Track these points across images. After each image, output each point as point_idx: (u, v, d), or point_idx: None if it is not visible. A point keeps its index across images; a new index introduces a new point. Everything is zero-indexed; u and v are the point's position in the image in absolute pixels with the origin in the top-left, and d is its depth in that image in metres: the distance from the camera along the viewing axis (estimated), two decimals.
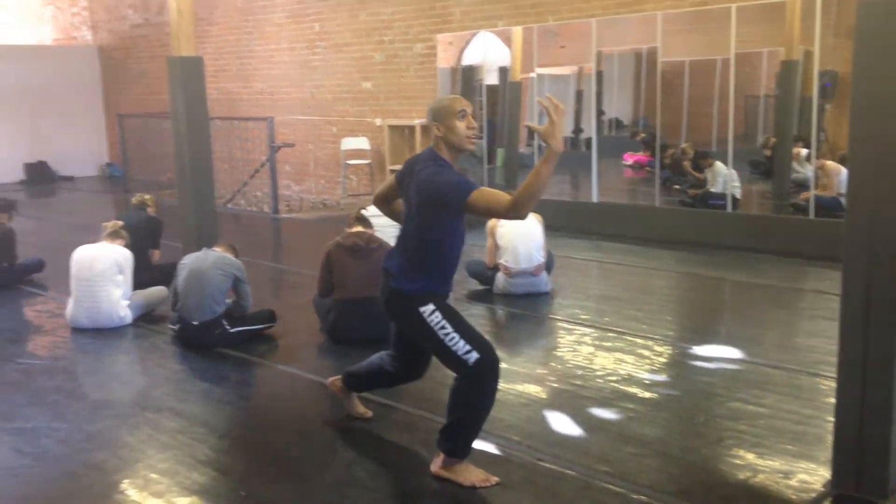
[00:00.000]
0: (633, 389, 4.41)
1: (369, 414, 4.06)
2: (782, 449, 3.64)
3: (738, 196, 8.44)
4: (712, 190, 8.65)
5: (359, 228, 5.44)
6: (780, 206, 8.44)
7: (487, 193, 3.14)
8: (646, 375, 4.64)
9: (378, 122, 11.40)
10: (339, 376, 4.05)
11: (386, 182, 3.71)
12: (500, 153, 10.64)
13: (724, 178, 8.44)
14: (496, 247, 6.35)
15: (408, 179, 3.40)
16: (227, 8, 13.42)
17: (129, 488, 3.44)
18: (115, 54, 16.13)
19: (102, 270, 5.65)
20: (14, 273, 7.19)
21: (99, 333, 5.65)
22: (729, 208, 8.31)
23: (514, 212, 3.04)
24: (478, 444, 3.46)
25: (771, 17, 8.15)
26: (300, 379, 4.72)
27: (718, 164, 8.56)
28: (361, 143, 11.61)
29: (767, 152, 8.86)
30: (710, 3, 8.20)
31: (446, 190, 3.18)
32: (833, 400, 3.29)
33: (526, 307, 6.12)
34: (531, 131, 10.19)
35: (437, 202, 3.22)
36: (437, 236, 3.31)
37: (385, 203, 3.71)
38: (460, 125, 3.28)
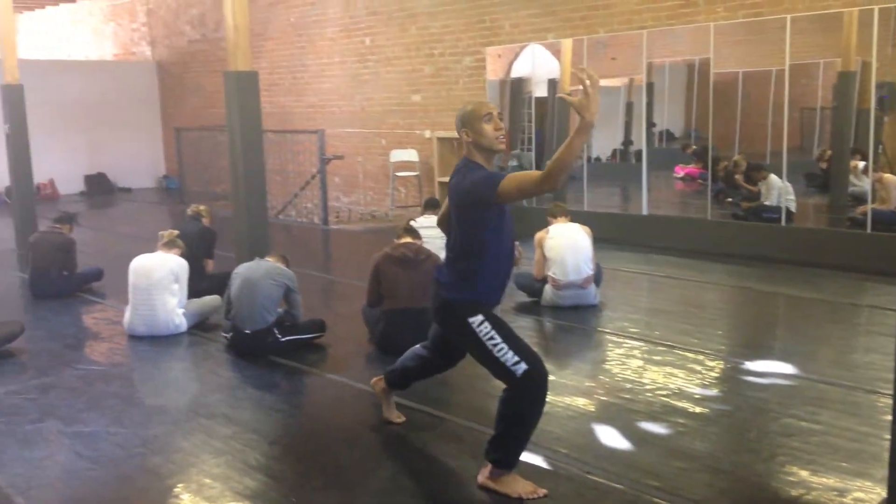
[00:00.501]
0: (684, 404, 4.36)
1: (402, 419, 4.14)
2: (837, 466, 3.57)
3: (793, 209, 8.28)
4: (766, 203, 8.51)
5: (407, 239, 5.49)
6: (836, 219, 8.26)
7: (517, 175, 3.18)
8: (696, 390, 4.58)
9: (427, 134, 11.49)
10: (382, 376, 4.14)
11: (444, 205, 3.76)
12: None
13: (779, 191, 8.29)
14: (544, 259, 6.34)
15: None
16: (281, 24, 13.68)
17: (183, 492, 3.52)
18: (172, 69, 16.55)
19: (159, 279, 5.80)
20: (74, 281, 7.41)
21: (155, 341, 5.79)
22: (783, 222, 8.17)
23: (546, 183, 3.06)
24: (525, 457, 3.46)
25: (827, 28, 8.00)
26: (349, 388, 4.77)
27: (773, 177, 8.42)
28: (410, 155, 11.70)
29: (823, 165, 8.68)
30: (764, 13, 8.10)
31: (477, 185, 3.23)
32: (890, 417, 3.22)
33: (574, 319, 6.09)
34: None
35: (473, 201, 3.26)
36: (479, 239, 3.32)
37: (447, 225, 3.74)
38: (488, 128, 3.32)
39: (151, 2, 16.71)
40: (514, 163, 10.48)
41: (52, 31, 19.79)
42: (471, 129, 3.34)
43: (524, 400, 3.26)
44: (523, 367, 3.23)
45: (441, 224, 3.78)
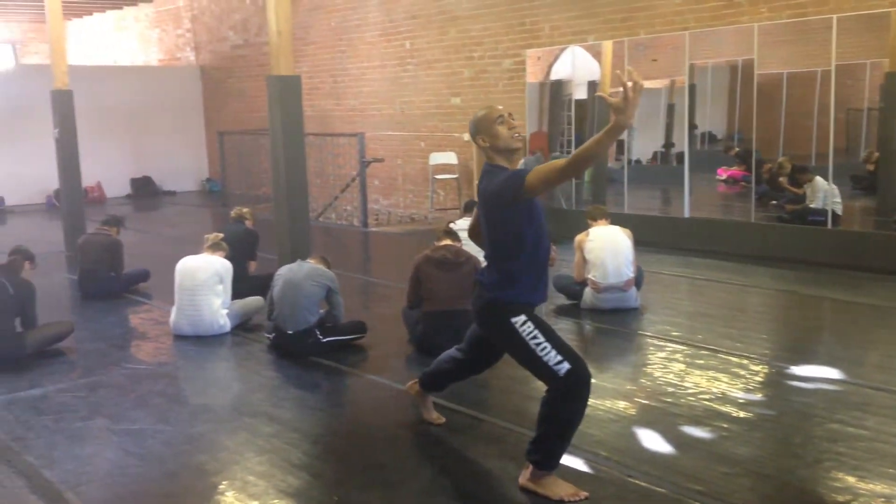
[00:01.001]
0: (727, 408, 4.31)
1: (442, 420, 4.16)
2: (884, 472, 3.50)
3: (839, 212, 8.14)
4: (812, 206, 8.37)
5: (447, 242, 5.52)
6: (883, 222, 8.09)
7: (541, 168, 3.23)
8: (740, 394, 4.53)
9: (466, 137, 11.47)
10: (416, 379, 4.17)
11: (474, 214, 3.80)
12: (589, 168, 10.56)
13: (825, 193, 8.16)
14: (584, 261, 6.31)
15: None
16: (322, 28, 13.81)
17: (227, 489, 3.58)
18: (215, 74, 16.81)
19: (204, 280, 5.89)
20: (121, 282, 7.56)
21: (199, 341, 5.89)
22: (829, 224, 8.03)
23: (570, 171, 3.17)
24: (566, 460, 3.46)
25: (874, 28, 7.85)
26: (389, 389, 4.81)
27: (818, 179, 8.29)
28: (449, 157, 11.73)
29: (870, 167, 8.51)
30: (809, 13, 7.97)
31: (505, 183, 3.28)
32: None
33: (614, 323, 6.06)
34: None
35: (503, 201, 3.30)
36: (516, 238, 3.35)
37: (478, 236, 3.78)
38: (501, 129, 3.39)
39: (196, 8, 17.00)
40: None
41: (100, 38, 20.22)
42: (486, 133, 3.41)
43: (566, 400, 3.26)
44: (566, 366, 3.24)
45: (473, 236, 3.82)
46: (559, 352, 3.27)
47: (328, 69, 13.88)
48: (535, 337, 3.30)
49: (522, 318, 3.33)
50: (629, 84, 2.93)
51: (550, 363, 3.25)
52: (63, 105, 9.66)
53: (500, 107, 3.50)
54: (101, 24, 19.80)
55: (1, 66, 18.58)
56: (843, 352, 5.36)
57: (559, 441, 3.32)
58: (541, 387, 3.36)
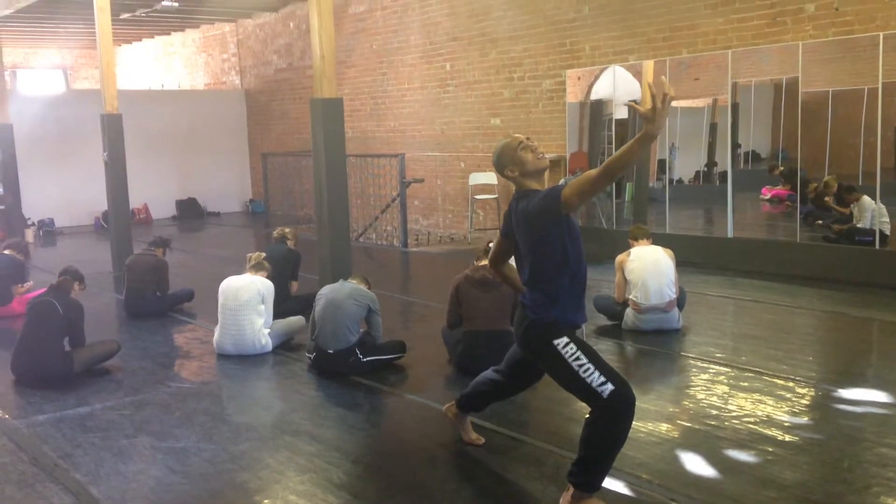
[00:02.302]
0: (773, 432, 4.23)
1: (481, 440, 4.15)
2: None
3: (887, 232, 7.97)
4: (859, 225, 8.21)
5: (486, 262, 5.51)
6: None
7: (575, 181, 3.25)
8: (786, 418, 4.45)
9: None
10: (453, 402, 4.17)
11: (495, 243, 3.81)
12: (629, 187, 10.51)
13: (872, 212, 8.00)
14: (625, 281, 6.27)
15: (511, 226, 3.52)
16: (363, 51, 13.99)
17: None
18: (260, 97, 17.11)
19: (247, 300, 5.97)
20: (167, 302, 7.69)
21: (242, 360, 5.96)
22: (877, 245, 7.87)
23: (603, 180, 3.17)
24: (607, 483, 3.42)
25: None
26: (429, 409, 4.81)
27: (865, 199, 8.14)
28: (489, 178, 11.75)
29: None
30: (855, 31, 7.87)
31: (543, 201, 3.30)
32: None
33: (656, 344, 5.99)
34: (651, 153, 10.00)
35: (543, 219, 3.31)
36: (558, 256, 3.34)
37: (501, 263, 3.80)
38: (525, 154, 3.43)
39: (241, 33, 17.36)
40: None
41: (148, 62, 20.73)
42: (512, 163, 3.46)
43: (610, 422, 3.24)
44: (610, 387, 3.22)
45: (494, 263, 3.81)
46: (602, 373, 3.25)
47: (369, 91, 14.04)
48: (577, 358, 3.28)
49: (565, 339, 3.33)
50: (657, 93, 2.95)
51: (594, 384, 3.24)
52: (112, 129, 9.89)
53: (517, 134, 3.55)
54: (150, 49, 20.31)
55: (53, 90, 19.15)
56: (892, 374, 5.23)
57: (601, 463, 3.30)
58: (582, 408, 3.34)
